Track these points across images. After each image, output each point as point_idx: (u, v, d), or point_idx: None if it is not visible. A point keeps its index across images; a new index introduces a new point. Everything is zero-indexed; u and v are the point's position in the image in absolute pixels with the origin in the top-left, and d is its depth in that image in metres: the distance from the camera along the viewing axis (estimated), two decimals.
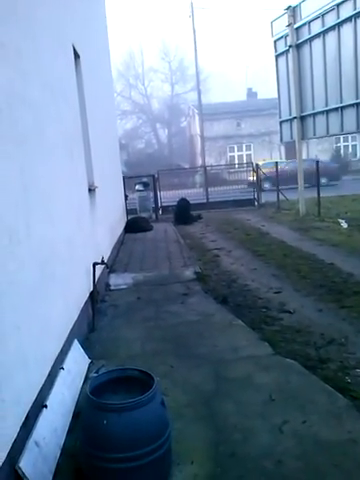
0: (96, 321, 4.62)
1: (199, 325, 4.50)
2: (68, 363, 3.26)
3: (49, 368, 2.90)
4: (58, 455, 2.47)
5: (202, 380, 3.34)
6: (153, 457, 2.08)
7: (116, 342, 4.16)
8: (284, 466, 2.37)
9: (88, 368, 3.61)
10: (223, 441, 2.61)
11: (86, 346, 3.89)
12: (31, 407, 2.41)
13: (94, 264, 4.65)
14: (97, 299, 4.88)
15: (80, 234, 4.45)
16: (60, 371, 3.08)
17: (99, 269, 5.10)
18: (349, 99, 9.86)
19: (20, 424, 2.23)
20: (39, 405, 2.55)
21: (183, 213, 12.96)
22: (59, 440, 2.60)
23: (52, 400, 2.73)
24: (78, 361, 3.52)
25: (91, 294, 4.64)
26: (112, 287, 6.03)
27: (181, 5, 49.58)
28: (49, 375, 2.86)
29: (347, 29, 9.72)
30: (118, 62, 39.65)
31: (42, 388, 2.67)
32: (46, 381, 2.78)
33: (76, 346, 3.61)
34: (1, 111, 2.40)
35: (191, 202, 14.79)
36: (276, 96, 13.43)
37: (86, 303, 4.41)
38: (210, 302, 5.25)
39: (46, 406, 2.61)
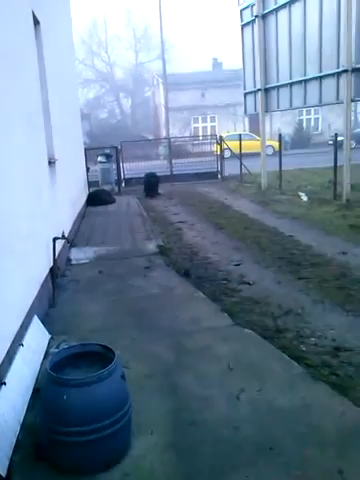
0: (57, 296, 4.57)
1: (161, 298, 4.54)
2: (27, 339, 3.22)
3: (8, 345, 2.87)
4: (18, 431, 2.47)
5: (163, 352, 3.39)
6: (113, 429, 2.11)
7: (77, 317, 4.14)
8: (240, 432, 2.46)
9: (48, 344, 3.59)
10: (182, 410, 2.68)
11: (47, 322, 3.86)
12: None
13: (54, 239, 4.57)
14: (57, 274, 4.82)
15: (39, 208, 4.35)
16: (19, 347, 3.04)
17: (59, 244, 5.02)
18: (313, 72, 9.92)
19: None
20: None
21: (153, 187, 13.18)
22: (18, 416, 2.59)
23: (11, 377, 2.70)
24: (38, 337, 3.49)
25: (51, 269, 4.58)
26: (73, 261, 5.97)
27: None
28: (8, 352, 2.83)
29: (313, 1, 9.66)
30: (81, 29, 38.14)
31: (0, 365, 2.64)
32: (5, 358, 2.75)
33: (36, 322, 3.57)
34: None
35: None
36: (241, 67, 13.32)
37: (46, 278, 4.35)
38: (172, 275, 5.29)
39: (4, 383, 2.59)
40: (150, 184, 13.23)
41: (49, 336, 3.68)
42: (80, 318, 4.12)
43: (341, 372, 3.08)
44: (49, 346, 3.55)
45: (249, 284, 4.95)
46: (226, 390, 2.87)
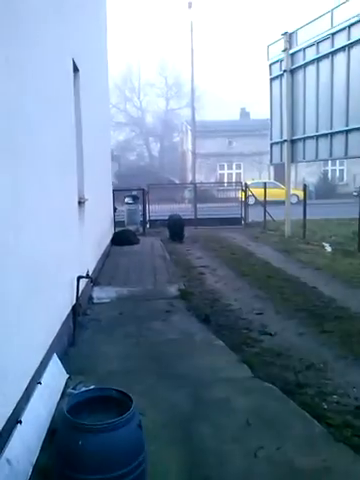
0: (77, 335, 4.58)
1: (180, 344, 4.50)
2: (46, 378, 3.22)
3: (27, 382, 2.87)
4: (30, 473, 2.44)
5: (180, 401, 3.33)
6: (128, 479, 2.06)
7: (96, 358, 4.13)
8: None
9: (66, 383, 3.57)
10: (197, 464, 2.61)
11: (65, 360, 3.85)
12: (5, 423, 2.38)
13: (79, 277, 4.64)
14: (79, 312, 4.85)
15: (67, 247, 4.45)
16: (37, 386, 3.04)
17: (83, 282, 5.09)
18: (339, 126, 10.09)
19: None
20: (14, 421, 2.52)
21: (178, 231, 12.69)
22: (32, 457, 2.56)
23: (27, 416, 2.69)
24: (56, 376, 3.49)
25: (73, 307, 4.61)
26: (95, 300, 6.00)
27: (181, 22, 50.26)
28: (26, 389, 2.83)
29: (340, 58, 9.99)
30: (116, 74, 39.92)
31: (18, 403, 2.64)
32: (23, 396, 2.75)
33: (55, 360, 3.57)
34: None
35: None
36: (268, 117, 13.66)
37: (68, 316, 4.38)
38: (192, 321, 5.26)
39: (21, 422, 2.58)
40: (175, 227, 12.79)
41: (67, 375, 3.67)
42: (98, 359, 4.10)
43: None
44: (66, 386, 3.53)
45: (270, 335, 4.86)
46: (244, 446, 2.78)
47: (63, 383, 3.56)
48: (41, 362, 3.24)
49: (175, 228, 12.76)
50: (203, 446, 2.78)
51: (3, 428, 2.33)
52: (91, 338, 4.67)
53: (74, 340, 4.48)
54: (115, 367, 3.94)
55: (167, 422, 3.03)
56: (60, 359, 3.71)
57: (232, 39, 62.88)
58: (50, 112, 3.80)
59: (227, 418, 3.09)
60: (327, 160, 25.09)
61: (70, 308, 4.52)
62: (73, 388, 3.40)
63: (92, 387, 3.08)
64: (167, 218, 13.60)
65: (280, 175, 24.26)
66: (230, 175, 33.57)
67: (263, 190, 15.41)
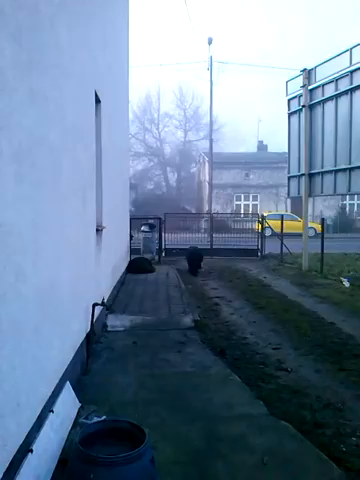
0: (90, 363, 4.54)
1: (194, 377, 4.41)
2: (58, 406, 3.18)
3: (39, 411, 2.84)
4: None
5: (194, 436, 3.24)
6: None
7: (109, 387, 4.07)
8: None
9: (78, 412, 3.52)
10: None
11: (78, 389, 3.80)
12: (16, 452, 2.34)
13: (94, 305, 4.63)
14: (93, 340, 4.82)
15: (84, 274, 4.46)
16: (49, 414, 3.00)
17: (98, 309, 5.07)
18: (358, 161, 10.09)
19: (3, 471, 2.16)
20: (25, 450, 2.48)
21: (196, 264, 12.27)
22: None
23: (38, 445, 2.64)
24: (68, 404, 3.44)
25: (88, 335, 4.59)
26: (109, 328, 5.97)
27: (201, 55, 51.67)
28: (38, 418, 2.79)
29: (359, 95, 10.08)
30: (135, 105, 41.05)
31: (30, 432, 2.60)
32: (35, 424, 2.71)
33: (68, 389, 3.53)
34: (23, 154, 2.48)
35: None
36: (285, 150, 13.79)
37: (82, 344, 4.35)
38: (207, 353, 5.16)
39: (32, 451, 2.53)
40: (194, 261, 12.33)
41: (79, 404, 3.61)
42: (111, 389, 4.04)
43: None
44: (78, 415, 3.47)
45: (287, 371, 4.75)
46: None
47: (75, 412, 3.50)
48: (54, 390, 3.20)
49: (193, 262, 12.35)
50: None
51: (14, 457, 2.29)
52: (104, 367, 4.61)
53: (87, 368, 4.44)
54: (128, 398, 3.87)
55: (180, 458, 2.94)
56: (73, 387, 3.66)
57: (251, 73, 64.25)
58: (72, 141, 3.88)
59: (242, 456, 2.99)
60: (345, 195, 25.05)
61: (84, 335, 4.49)
62: (85, 418, 3.34)
63: (104, 418, 3.04)
64: (187, 250, 13.25)
65: (297, 207, 24.27)
66: (247, 206, 33.67)
67: (280, 222, 15.37)
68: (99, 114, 5.63)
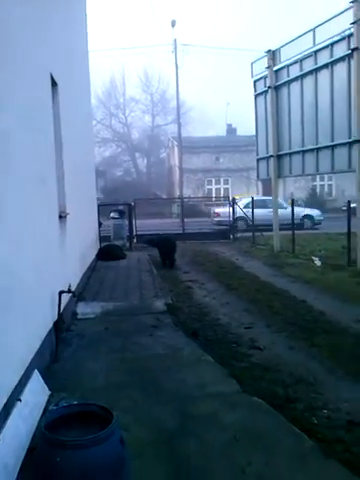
0: (60, 351, 4.45)
1: (167, 359, 4.38)
2: (26, 394, 3.09)
3: (5, 399, 2.75)
4: None
5: (166, 416, 3.22)
6: None
7: (79, 374, 4.00)
8: None
9: (48, 400, 3.44)
10: None
11: (48, 377, 3.71)
12: None
13: (60, 292, 4.52)
14: (62, 328, 4.72)
15: (48, 261, 4.34)
16: (17, 403, 2.91)
17: (66, 297, 4.96)
18: (325, 141, 10.18)
19: None
20: None
21: (169, 254, 10.55)
22: (10, 477, 2.43)
23: (5, 434, 2.56)
24: (37, 393, 3.35)
25: (56, 323, 4.48)
26: (79, 316, 5.87)
27: (165, 38, 51.02)
28: (5, 406, 2.72)
29: (324, 75, 10.12)
30: (100, 90, 40.26)
31: None
32: (1, 413, 2.62)
33: (36, 377, 3.44)
34: None
35: (168, 232, 14.86)
36: (255, 133, 13.76)
37: (50, 332, 4.25)
38: (180, 335, 5.14)
39: None
40: (166, 251, 10.61)
41: (49, 392, 3.53)
42: (82, 375, 3.97)
43: (356, 449, 2.87)
44: (48, 403, 3.39)
45: (260, 349, 4.78)
46: (231, 462, 2.68)
47: (45, 400, 3.42)
48: (21, 379, 3.11)
49: (165, 252, 10.63)
50: (189, 463, 2.67)
51: None
52: (75, 354, 4.53)
53: (57, 356, 4.35)
54: (99, 383, 3.81)
55: (153, 438, 2.91)
56: (42, 376, 3.58)
57: (217, 55, 63.87)
58: (26, 126, 3.73)
59: (215, 434, 2.98)
60: (314, 175, 25.38)
61: (52, 324, 4.39)
62: (55, 405, 3.26)
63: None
64: (156, 238, 11.47)
65: (267, 190, 24.43)
66: (218, 190, 33.75)
67: (252, 205, 15.47)
68: (57, 97, 5.44)
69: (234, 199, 16.91)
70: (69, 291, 4.77)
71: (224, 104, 49.26)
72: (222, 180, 34.12)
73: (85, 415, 2.23)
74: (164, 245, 10.82)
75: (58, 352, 4.41)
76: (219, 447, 2.84)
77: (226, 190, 33.23)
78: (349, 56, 9.12)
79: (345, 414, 3.34)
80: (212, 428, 3.06)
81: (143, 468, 2.55)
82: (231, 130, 40.68)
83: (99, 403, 2.34)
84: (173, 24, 27.31)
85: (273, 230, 12.80)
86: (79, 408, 2.26)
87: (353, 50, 8.85)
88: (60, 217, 5.26)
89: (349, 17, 8.83)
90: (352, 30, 8.86)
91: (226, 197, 20.77)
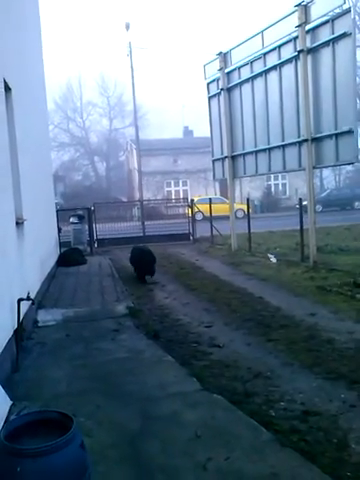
0: (20, 360, 4.41)
1: (129, 362, 4.44)
2: None
3: None
4: None
5: (129, 419, 3.27)
6: None
7: (41, 382, 3.99)
8: None
9: (9, 410, 3.42)
10: None
11: (9, 387, 3.69)
12: None
13: (19, 300, 4.48)
14: (22, 336, 4.68)
15: (4, 269, 4.29)
16: None
17: (26, 305, 4.92)
18: (276, 141, 10.48)
19: None
20: None
21: (148, 268, 8.87)
22: None
23: None
24: None
25: (16, 331, 4.44)
26: (40, 323, 5.82)
27: (120, 42, 50.77)
28: None
29: (273, 76, 10.43)
30: (56, 95, 39.70)
31: None
32: None
33: None
34: None
35: (128, 236, 14.99)
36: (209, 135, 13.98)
37: (10, 341, 4.21)
38: (141, 338, 5.21)
39: None
40: (143, 264, 8.96)
41: (10, 402, 3.51)
42: (44, 383, 3.96)
43: (310, 438, 3.03)
44: (10, 413, 3.37)
45: (219, 347, 4.90)
46: (193, 459, 2.76)
47: (6, 410, 3.40)
48: None
49: (142, 265, 9.01)
50: (152, 463, 2.73)
51: None
52: (36, 362, 4.51)
53: (18, 365, 4.31)
54: (61, 390, 3.82)
55: (115, 441, 2.96)
56: (3, 386, 3.55)
57: (172, 58, 64.37)
58: None
59: (176, 432, 3.06)
60: (267, 174, 25.98)
61: (12, 332, 4.34)
62: (17, 414, 3.25)
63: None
64: (130, 251, 9.78)
65: (225, 190, 24.83)
66: (177, 192, 33.99)
67: (209, 206, 15.70)
68: (10, 102, 5.38)
69: (193, 200, 17.09)
70: (28, 298, 4.73)
71: (180, 106, 49.64)
72: (181, 182, 34.42)
73: (46, 422, 2.25)
74: (140, 256, 9.17)
75: (19, 361, 4.37)
76: (181, 445, 2.92)
77: (185, 192, 33.52)
78: (296, 58, 9.45)
79: (300, 405, 3.49)
80: (174, 427, 3.14)
81: (107, 471, 2.60)
82: (188, 132, 41.08)
83: (62, 410, 2.36)
84: (127, 27, 27.23)
85: (230, 230, 13.04)
86: (40, 416, 2.28)
87: (299, 52, 9.17)
88: (17, 223, 5.20)
89: (294, 20, 9.14)
90: (297, 33, 9.19)
91: (185, 199, 20.92)
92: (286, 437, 3.02)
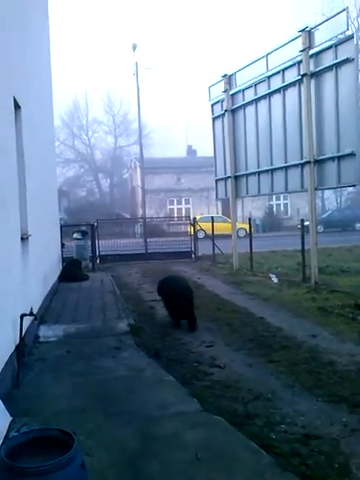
0: (21, 376, 4.40)
1: (129, 381, 4.42)
2: None
3: None
4: None
5: (129, 438, 3.26)
6: None
7: (42, 398, 3.98)
8: None
9: (9, 426, 3.41)
10: None
11: (9, 402, 3.67)
12: None
13: (22, 316, 4.50)
14: (24, 352, 4.68)
15: (9, 284, 4.32)
16: None
17: (28, 320, 4.93)
18: (278, 162, 10.60)
19: None
20: None
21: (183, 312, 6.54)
22: None
23: None
24: None
25: (17, 347, 4.45)
26: (41, 339, 5.81)
27: (127, 61, 51.70)
28: None
29: (277, 99, 10.60)
30: (63, 111, 40.27)
31: None
32: None
33: None
34: None
35: (130, 253, 15.53)
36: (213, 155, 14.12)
37: (11, 356, 4.21)
38: (142, 356, 5.19)
39: None
40: (181, 305, 6.50)
41: (10, 418, 3.49)
42: (45, 400, 3.95)
43: (311, 461, 3.00)
44: (10, 429, 3.36)
45: (220, 367, 4.88)
46: None
47: (6, 426, 3.38)
48: None
49: (181, 307, 6.53)
50: None
51: None
52: (37, 378, 4.50)
53: (18, 381, 4.30)
54: (62, 407, 3.81)
55: (115, 461, 2.95)
56: (3, 401, 3.54)
57: (177, 78, 65.45)
58: None
59: (176, 453, 3.05)
60: (269, 195, 26.11)
61: (13, 348, 4.35)
62: (17, 431, 3.25)
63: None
64: (159, 283, 7.40)
65: (227, 209, 24.90)
66: (180, 210, 34.15)
67: (211, 224, 15.77)
68: (19, 120, 5.48)
69: (195, 219, 17.17)
70: (31, 314, 4.75)
71: (184, 126, 50.23)
72: (183, 200, 34.60)
73: (47, 440, 2.26)
74: (177, 294, 6.61)
75: (20, 376, 4.36)
76: (181, 466, 2.90)
77: (187, 209, 33.66)
78: (299, 81, 9.63)
79: (301, 428, 3.47)
80: (174, 448, 3.13)
81: None
82: (191, 151, 41.47)
83: (62, 428, 2.37)
84: (134, 48, 27.79)
85: (231, 249, 13.08)
86: (41, 433, 2.28)
87: (303, 76, 9.35)
88: (22, 239, 5.25)
89: (298, 45, 9.33)
90: (301, 57, 9.37)
91: (187, 217, 21.02)
92: (287, 460, 3.00)
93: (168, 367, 4.83)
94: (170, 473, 2.83)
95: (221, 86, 12.72)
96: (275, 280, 10.37)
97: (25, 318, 4.61)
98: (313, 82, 9.26)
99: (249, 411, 3.78)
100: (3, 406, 3.49)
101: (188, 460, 2.97)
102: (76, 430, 2.94)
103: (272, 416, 3.69)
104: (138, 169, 33.73)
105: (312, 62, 9.22)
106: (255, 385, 4.32)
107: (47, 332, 6.06)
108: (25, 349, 4.77)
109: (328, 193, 40.45)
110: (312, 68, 9.20)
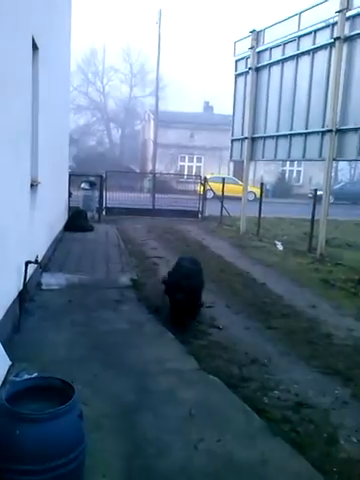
0: (22, 322, 4.46)
1: (129, 334, 4.48)
2: None
3: None
4: None
5: (125, 391, 3.32)
6: (64, 471, 2.03)
7: (41, 345, 4.04)
8: None
9: (8, 370, 3.48)
10: (137, 455, 2.62)
11: (9, 347, 3.73)
12: None
13: (27, 263, 4.50)
14: (26, 299, 4.72)
15: (16, 231, 4.29)
16: None
17: (32, 268, 4.95)
18: (299, 128, 10.29)
19: None
20: None
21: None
22: None
23: None
24: None
25: (20, 293, 4.48)
26: (44, 287, 5.86)
27: (149, 9, 49.61)
28: None
29: (305, 61, 10.16)
30: (79, 56, 38.96)
31: None
32: None
33: None
34: None
35: (137, 207, 15.33)
36: (230, 113, 13.75)
37: (14, 302, 4.25)
38: (143, 311, 5.25)
39: None
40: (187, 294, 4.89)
41: (10, 362, 3.56)
42: (44, 347, 4.01)
43: (301, 429, 3.07)
44: (9, 373, 3.43)
45: (219, 328, 4.94)
46: (185, 437, 2.81)
47: (5, 370, 3.45)
48: None
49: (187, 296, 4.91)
50: (144, 436, 2.79)
51: None
52: (37, 325, 4.56)
53: (19, 327, 4.36)
54: (60, 355, 3.87)
55: (110, 412, 3.02)
56: (3, 346, 3.59)
57: (200, 31, 62.83)
58: (4, 90, 3.63)
59: (170, 409, 3.12)
60: (285, 160, 25.69)
61: (16, 294, 4.38)
62: (15, 375, 3.31)
63: (35, 375, 3.02)
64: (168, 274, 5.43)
65: (239, 171, 24.63)
66: (190, 167, 33.68)
67: (221, 185, 15.58)
68: (36, 61, 5.29)
69: (205, 178, 16.96)
70: (36, 262, 4.76)
71: (202, 81, 48.77)
72: (195, 158, 34.02)
73: (46, 389, 2.29)
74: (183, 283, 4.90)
75: (21, 322, 4.42)
76: (174, 422, 2.98)
77: (198, 168, 33.21)
78: (331, 45, 9.17)
79: (294, 395, 3.53)
80: (168, 403, 3.20)
81: (99, 441, 2.65)
82: (208, 108, 40.34)
83: (61, 376, 2.39)
84: None
85: (240, 212, 12.98)
86: (41, 381, 2.31)
87: (336, 39, 8.90)
88: (31, 186, 5.18)
89: (336, 5, 8.82)
90: (336, 19, 8.90)
91: (198, 176, 20.76)
92: (278, 426, 3.07)
93: (167, 324, 4.87)
94: (163, 427, 2.90)
95: (248, 42, 12.20)
96: (280, 247, 10.34)
97: (30, 265, 4.61)
98: (345, 47, 8.82)
99: (244, 374, 3.84)
100: (3, 350, 3.54)
101: (182, 416, 3.04)
102: (74, 379, 2.97)
103: (266, 381, 3.75)
104: (152, 121, 33.06)
105: (347, 25, 8.75)
106: (252, 349, 4.38)
107: (50, 280, 6.09)
108: (27, 296, 4.80)
109: (342, 164, 39.69)
110: (347, 32, 8.74)
